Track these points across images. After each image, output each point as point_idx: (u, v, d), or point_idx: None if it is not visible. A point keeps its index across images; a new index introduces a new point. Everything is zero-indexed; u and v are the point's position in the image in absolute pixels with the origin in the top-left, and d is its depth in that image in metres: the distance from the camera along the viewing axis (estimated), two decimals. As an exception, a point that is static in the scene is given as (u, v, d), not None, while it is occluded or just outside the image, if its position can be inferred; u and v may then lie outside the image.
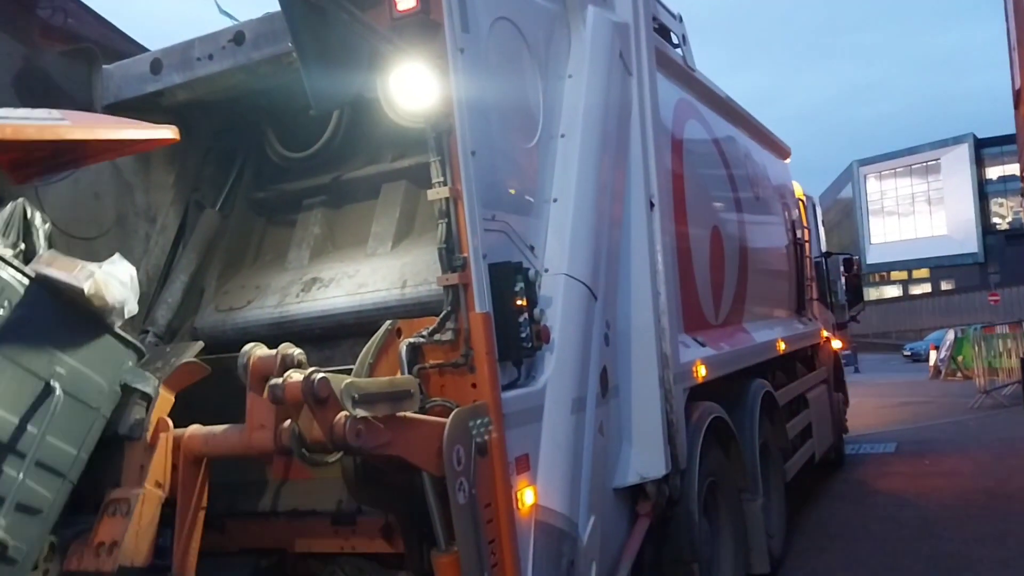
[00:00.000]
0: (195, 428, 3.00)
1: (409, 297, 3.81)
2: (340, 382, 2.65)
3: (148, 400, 3.13)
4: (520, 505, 3.22)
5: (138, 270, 4.53)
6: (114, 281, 3.08)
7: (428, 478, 2.91)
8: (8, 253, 2.97)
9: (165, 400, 3.14)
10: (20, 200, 3.24)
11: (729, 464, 5.52)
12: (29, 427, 2.84)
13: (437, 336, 3.21)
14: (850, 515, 7.97)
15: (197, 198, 4.79)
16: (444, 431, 2.86)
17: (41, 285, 2.97)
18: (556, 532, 3.37)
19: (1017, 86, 12.67)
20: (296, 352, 2.84)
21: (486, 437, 3.04)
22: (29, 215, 3.21)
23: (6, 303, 2.84)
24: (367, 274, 4.12)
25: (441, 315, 3.21)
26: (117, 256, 3.29)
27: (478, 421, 3.02)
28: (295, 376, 2.70)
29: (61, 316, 3.02)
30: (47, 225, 3.29)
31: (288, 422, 2.74)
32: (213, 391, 3.26)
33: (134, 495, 2.99)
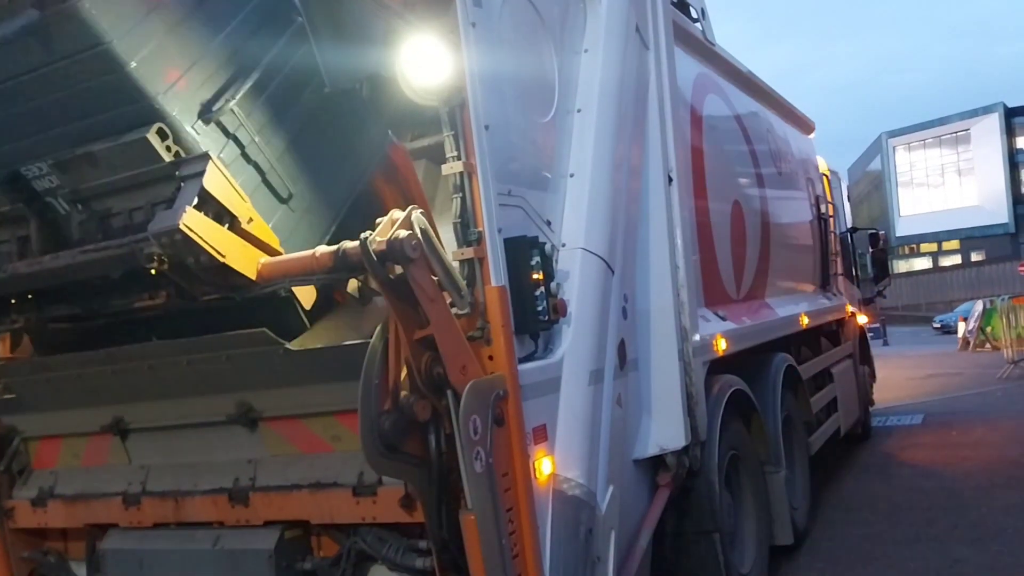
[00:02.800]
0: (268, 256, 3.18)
1: None
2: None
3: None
4: (538, 474, 3.28)
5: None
6: None
7: (451, 399, 3.02)
8: None
9: None
10: None
11: (751, 437, 5.54)
12: None
13: (454, 310, 3.25)
14: (875, 487, 7.96)
15: None
16: (469, 369, 3.04)
17: None
18: (574, 501, 3.42)
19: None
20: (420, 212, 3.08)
21: (502, 408, 3.09)
22: None
23: None
24: None
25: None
26: None
27: (494, 393, 3.06)
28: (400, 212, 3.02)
29: None
30: None
31: (366, 234, 2.90)
32: None
33: None
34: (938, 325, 32.23)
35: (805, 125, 9.21)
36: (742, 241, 6.31)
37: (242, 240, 3.12)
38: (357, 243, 2.90)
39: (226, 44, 3.26)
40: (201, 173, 2.99)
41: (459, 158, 3.23)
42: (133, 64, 2.94)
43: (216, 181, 3.04)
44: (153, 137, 3.02)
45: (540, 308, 3.46)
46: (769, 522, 5.64)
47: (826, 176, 9.82)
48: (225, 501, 3.62)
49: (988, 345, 20.35)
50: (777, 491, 5.76)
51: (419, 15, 3.22)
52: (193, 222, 2.92)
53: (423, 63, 3.17)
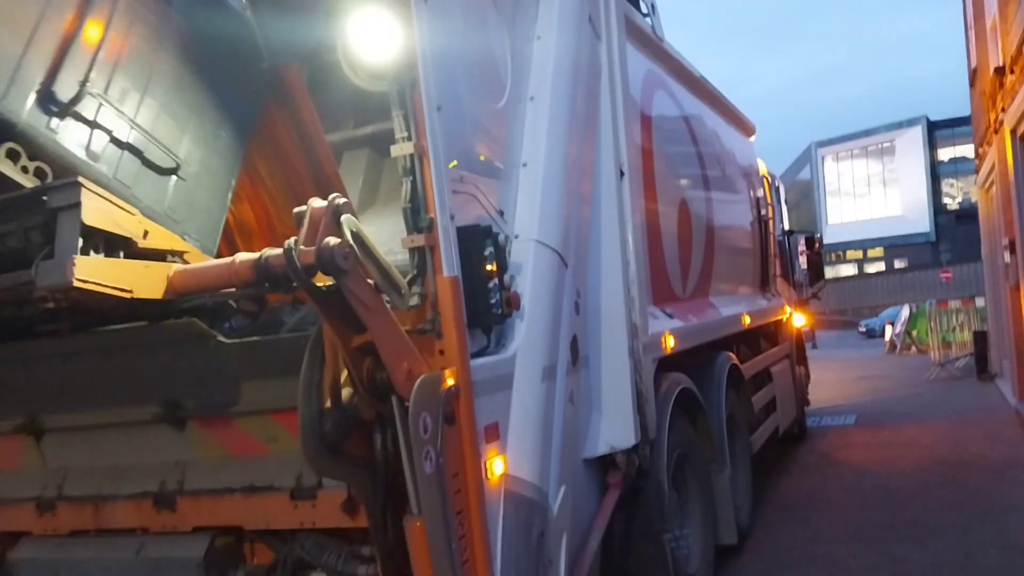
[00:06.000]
0: (182, 265, 2.90)
1: None
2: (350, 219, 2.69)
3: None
4: (489, 475, 3.12)
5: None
6: None
7: (397, 406, 2.79)
8: None
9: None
10: None
11: (697, 435, 5.49)
12: None
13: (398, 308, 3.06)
14: (814, 486, 8.04)
15: None
16: (416, 370, 2.79)
17: None
18: (526, 502, 3.28)
19: (973, 65, 12.82)
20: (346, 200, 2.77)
21: (453, 405, 2.93)
22: None
23: None
24: None
25: (407, 279, 3.07)
26: None
27: (446, 389, 2.89)
28: (319, 201, 2.67)
29: None
30: None
31: (289, 241, 2.60)
32: None
33: None
34: (863, 329, 33.18)
35: (746, 127, 9.27)
36: (688, 240, 6.27)
37: (144, 262, 2.81)
38: (281, 251, 2.61)
39: (55, 18, 2.75)
40: (76, 205, 2.58)
41: (409, 139, 3.05)
42: None
43: (96, 210, 2.65)
44: (4, 164, 2.60)
45: (493, 301, 3.31)
46: (714, 522, 5.60)
47: (766, 179, 9.92)
48: (150, 506, 3.35)
49: (914, 348, 20.99)
50: (722, 490, 5.73)
51: (369, -14, 3.03)
52: (87, 272, 2.55)
53: (372, 38, 2.98)
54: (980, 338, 15.09)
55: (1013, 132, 8.72)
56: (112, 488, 3.47)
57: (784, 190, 12.60)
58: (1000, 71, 9.06)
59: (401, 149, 3.05)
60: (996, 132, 9.95)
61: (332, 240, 2.58)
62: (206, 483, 3.31)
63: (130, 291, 2.69)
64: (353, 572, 3.05)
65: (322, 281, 2.66)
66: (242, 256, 2.78)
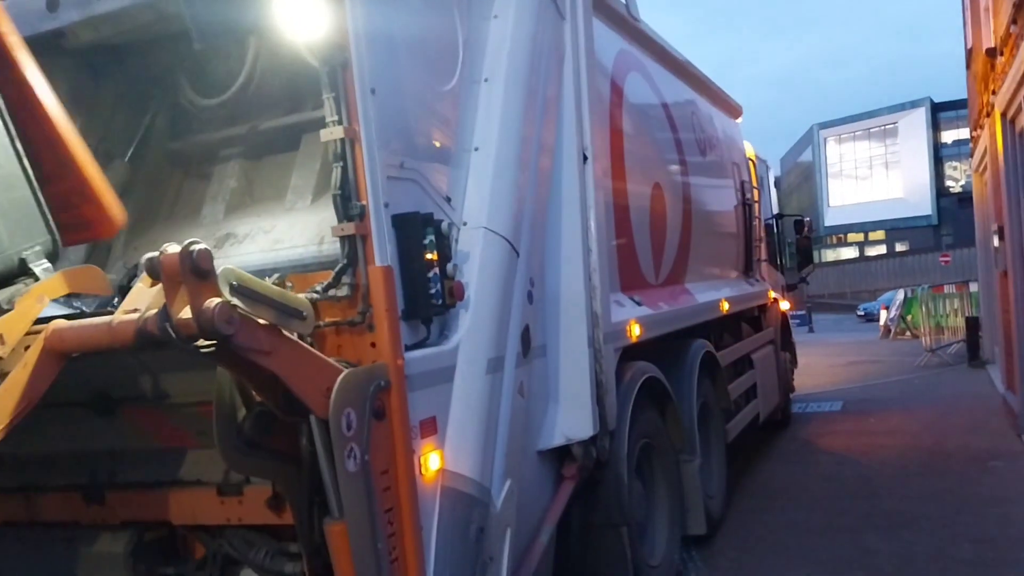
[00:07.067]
0: (60, 320, 2.64)
1: (327, 254, 3.56)
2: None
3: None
4: (424, 471, 3.03)
5: (37, 223, 4.23)
6: None
7: (316, 427, 2.67)
8: None
9: (56, 284, 2.79)
10: None
11: (665, 425, 5.41)
12: None
13: (332, 292, 2.97)
14: (793, 475, 7.97)
15: (106, 148, 4.46)
16: (336, 376, 2.62)
17: None
18: (464, 498, 3.19)
19: (969, 45, 12.61)
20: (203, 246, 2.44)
21: (383, 400, 2.83)
22: None
23: None
24: (284, 229, 3.86)
25: (336, 269, 2.97)
26: None
27: (374, 384, 2.79)
28: (174, 247, 2.34)
29: None
30: None
31: (161, 305, 2.37)
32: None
33: None
34: (862, 313, 33.12)
35: (732, 109, 9.12)
36: (662, 225, 6.15)
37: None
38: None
39: None
40: None
41: (340, 123, 2.93)
42: None
43: None
44: None
45: (433, 291, 3.20)
46: (682, 512, 5.53)
47: (752, 161, 9.76)
48: (79, 499, 3.27)
49: (908, 333, 20.89)
50: (691, 480, 5.64)
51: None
52: None
53: (299, 16, 2.86)
54: (972, 324, 14.98)
55: (1003, 115, 8.55)
56: (43, 479, 3.39)
57: (783, 172, 12.46)
58: (992, 52, 8.88)
59: (331, 133, 2.94)
60: (988, 115, 9.78)
61: (211, 303, 2.30)
62: (135, 475, 3.22)
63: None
64: (280, 569, 2.98)
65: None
66: (120, 318, 2.50)
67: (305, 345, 2.64)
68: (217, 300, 2.31)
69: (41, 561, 3.35)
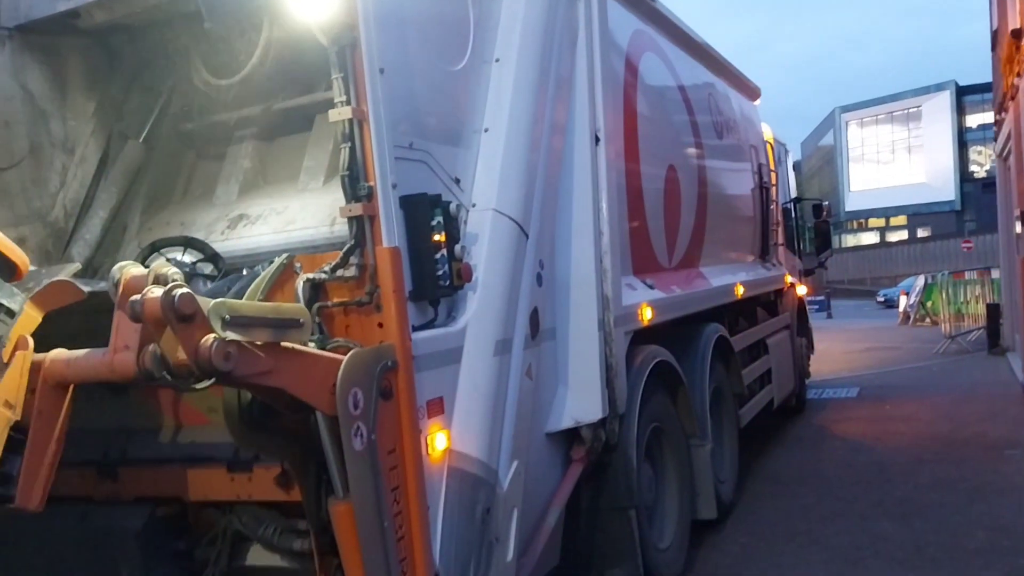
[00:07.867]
0: (58, 352, 2.68)
1: (338, 235, 3.56)
2: (209, 301, 2.36)
3: (12, 316, 2.83)
4: (431, 450, 3.05)
5: (54, 205, 4.27)
6: None
7: (321, 417, 2.70)
8: None
9: (30, 318, 2.81)
10: None
11: (676, 409, 5.39)
12: None
13: (340, 272, 2.97)
14: (805, 460, 7.94)
15: (121, 128, 4.48)
16: (339, 369, 2.63)
17: None
18: (471, 478, 3.20)
19: (995, 26, 12.38)
20: (171, 271, 2.49)
21: (391, 380, 2.84)
22: None
23: None
24: (296, 210, 3.87)
25: (344, 249, 2.98)
26: None
27: (381, 364, 2.80)
28: (155, 291, 2.32)
29: None
30: None
31: (152, 346, 2.38)
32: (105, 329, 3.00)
33: None
34: (882, 299, 32.82)
35: (750, 91, 9.01)
36: (676, 208, 6.11)
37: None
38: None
39: None
40: None
41: (348, 103, 2.93)
42: None
43: None
44: None
45: (441, 272, 3.20)
46: (693, 496, 5.52)
47: (770, 144, 9.66)
48: (93, 475, 3.32)
49: (928, 320, 20.69)
50: (702, 465, 5.63)
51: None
52: None
53: (308, -5, 2.85)
54: (993, 311, 14.80)
55: (1028, 99, 8.41)
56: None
57: (803, 156, 12.33)
58: (1017, 34, 8.71)
59: (339, 114, 2.93)
60: (1012, 99, 9.61)
61: (206, 342, 2.29)
62: (147, 452, 3.27)
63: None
64: (289, 546, 3.02)
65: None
66: (120, 357, 2.49)
67: (304, 349, 2.66)
68: (212, 338, 2.30)
69: (55, 536, 3.40)
